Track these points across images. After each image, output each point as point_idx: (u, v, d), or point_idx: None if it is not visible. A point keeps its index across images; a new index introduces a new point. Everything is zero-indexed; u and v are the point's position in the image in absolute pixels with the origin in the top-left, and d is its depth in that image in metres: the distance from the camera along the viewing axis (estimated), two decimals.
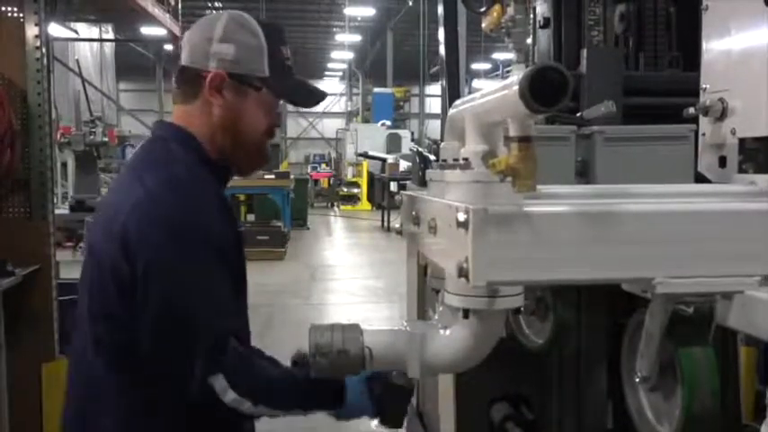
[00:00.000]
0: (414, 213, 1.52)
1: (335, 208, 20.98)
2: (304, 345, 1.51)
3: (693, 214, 1.21)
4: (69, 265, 7.33)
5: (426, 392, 2.84)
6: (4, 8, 3.73)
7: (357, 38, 26.46)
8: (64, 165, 9.77)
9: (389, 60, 25.06)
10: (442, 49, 3.47)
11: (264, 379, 1.52)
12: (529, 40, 2.90)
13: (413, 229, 1.54)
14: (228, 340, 1.47)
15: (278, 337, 5.92)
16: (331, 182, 22.41)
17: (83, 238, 7.39)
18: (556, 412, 2.23)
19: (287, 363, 1.66)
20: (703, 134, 1.93)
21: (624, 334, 1.57)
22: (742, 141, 1.76)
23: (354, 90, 29.06)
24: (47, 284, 3.84)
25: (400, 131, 22.38)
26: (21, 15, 3.74)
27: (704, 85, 1.90)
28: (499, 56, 25.71)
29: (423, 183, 1.81)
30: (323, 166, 25.76)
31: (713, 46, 1.88)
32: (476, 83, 24.73)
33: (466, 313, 1.36)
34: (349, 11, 22.23)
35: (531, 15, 2.89)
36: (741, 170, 1.76)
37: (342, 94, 31.41)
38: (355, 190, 20.76)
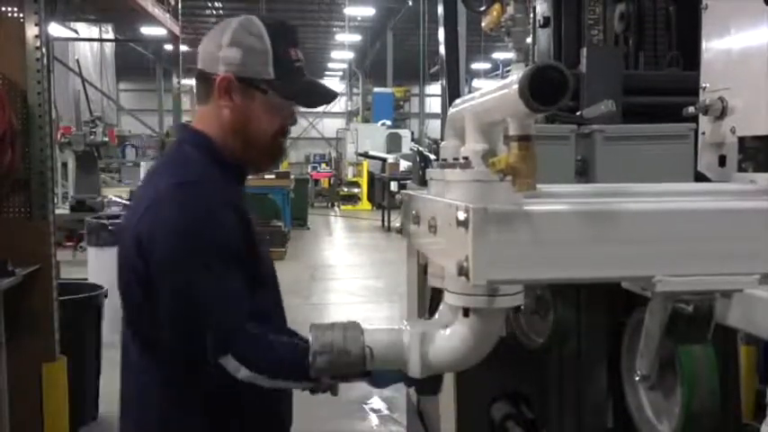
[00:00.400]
0: (414, 213, 1.53)
1: (336, 208, 20.98)
2: None
3: (693, 213, 1.21)
4: (69, 265, 7.36)
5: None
6: (4, 8, 3.74)
7: (357, 38, 26.45)
8: (64, 165, 9.76)
9: (389, 60, 25.05)
10: (441, 49, 3.47)
11: (277, 354, 1.57)
12: (529, 40, 2.90)
13: (413, 229, 1.55)
14: (235, 325, 1.55)
15: None
16: (331, 182, 22.39)
17: (83, 238, 7.40)
18: (556, 411, 2.23)
19: None
20: (703, 133, 1.93)
21: (624, 332, 1.58)
22: (741, 140, 1.77)
23: (354, 90, 29.07)
24: (47, 284, 3.85)
25: (400, 131, 22.37)
26: (21, 15, 3.74)
27: (704, 84, 1.90)
28: (499, 55, 25.71)
29: (423, 182, 1.81)
30: (323, 165, 25.75)
31: (713, 45, 1.88)
32: (476, 82, 24.72)
33: (466, 312, 1.36)
34: (349, 11, 22.22)
35: (531, 15, 2.89)
36: (741, 169, 1.76)
37: (342, 94, 31.40)
38: (355, 190, 20.75)
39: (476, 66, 26.65)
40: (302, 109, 1.89)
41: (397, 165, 17.81)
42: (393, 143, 20.70)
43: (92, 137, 8.88)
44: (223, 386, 1.58)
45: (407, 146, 19.44)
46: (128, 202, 8.95)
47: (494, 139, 1.28)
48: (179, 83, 13.46)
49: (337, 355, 1.46)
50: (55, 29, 11.21)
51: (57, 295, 3.92)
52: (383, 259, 11.49)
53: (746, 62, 1.74)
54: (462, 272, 1.14)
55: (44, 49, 3.82)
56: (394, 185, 15.26)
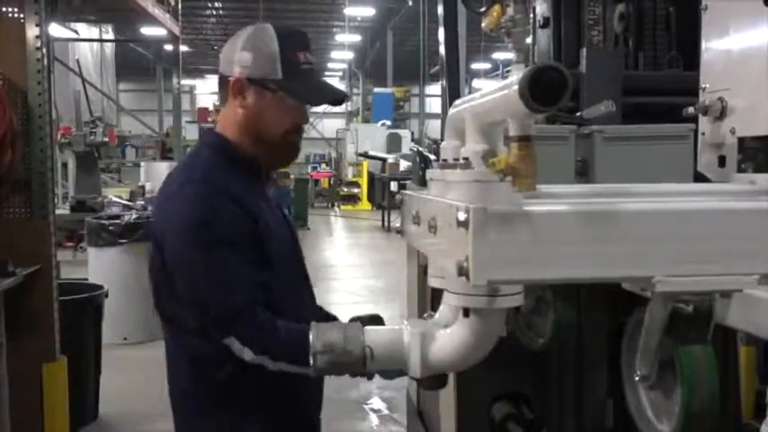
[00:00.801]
0: (414, 213, 1.53)
1: (336, 208, 20.97)
2: None
3: (693, 213, 1.21)
4: (70, 266, 7.36)
5: (427, 391, 2.84)
6: (4, 9, 3.74)
7: (357, 38, 26.45)
8: (64, 165, 9.78)
9: (389, 60, 25.04)
10: (442, 49, 3.47)
11: (280, 337, 1.66)
12: (529, 40, 2.90)
13: (413, 229, 1.55)
14: (236, 306, 1.67)
15: None
16: (331, 182, 22.37)
17: (83, 239, 7.40)
18: (556, 411, 2.23)
19: None
20: (703, 133, 1.93)
21: (624, 332, 1.58)
22: (741, 140, 1.77)
23: (354, 90, 29.05)
24: (47, 284, 3.85)
25: (400, 131, 22.36)
26: (21, 16, 3.75)
27: (703, 85, 1.90)
28: (499, 56, 25.71)
29: (423, 182, 1.82)
30: (323, 165, 25.71)
31: (712, 45, 1.89)
32: (476, 83, 24.73)
33: (466, 312, 1.37)
34: (349, 11, 22.21)
35: (531, 15, 2.89)
36: (740, 169, 1.76)
37: None
38: (355, 190, 20.74)
39: (476, 66, 26.65)
40: (314, 109, 1.97)
41: (397, 165, 17.81)
42: (393, 143, 20.69)
43: (92, 137, 8.89)
44: (238, 368, 1.68)
45: (407, 146, 19.42)
46: (128, 203, 8.97)
47: (494, 139, 1.29)
48: (179, 83, 13.46)
49: (338, 355, 1.47)
50: (55, 29, 11.21)
51: (57, 295, 3.93)
52: (383, 259, 11.50)
53: (746, 63, 1.74)
54: (462, 272, 1.14)
55: (44, 50, 3.83)
56: (394, 186, 15.25)
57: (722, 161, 1.84)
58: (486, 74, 28.82)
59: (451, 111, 1.45)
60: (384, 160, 18.84)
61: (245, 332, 1.66)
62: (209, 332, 1.69)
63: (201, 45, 29.35)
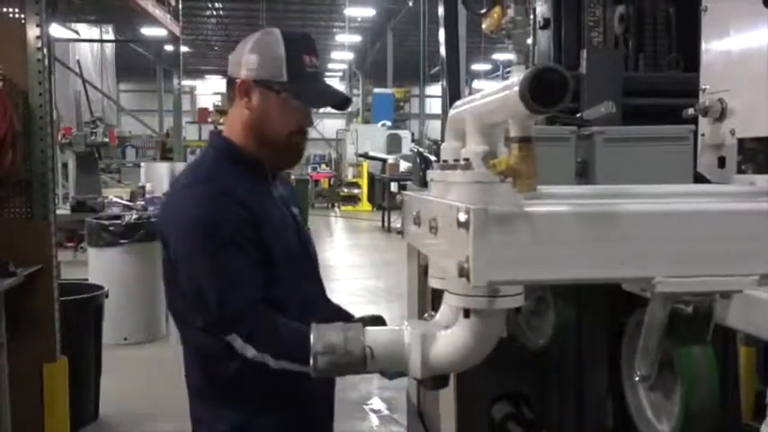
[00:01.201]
0: (414, 214, 1.53)
1: (336, 208, 20.97)
2: None
3: (692, 214, 1.21)
4: (70, 266, 7.36)
5: (427, 392, 2.84)
6: (5, 9, 3.74)
7: (357, 38, 26.44)
8: (65, 165, 9.78)
9: (390, 61, 25.04)
10: (442, 50, 3.47)
11: (281, 335, 1.70)
12: (529, 41, 2.90)
13: (413, 230, 1.55)
14: (238, 303, 1.72)
15: None
16: (331, 182, 22.38)
17: (83, 239, 7.40)
18: (556, 411, 2.24)
19: None
20: (702, 135, 1.93)
21: (624, 333, 1.58)
22: (741, 142, 1.77)
23: (355, 91, 29.05)
24: (48, 285, 3.85)
25: (400, 132, 22.36)
26: (22, 16, 3.75)
27: (703, 86, 1.90)
28: (499, 57, 25.70)
29: (423, 183, 1.82)
30: (323, 166, 25.72)
31: (712, 47, 1.89)
32: (476, 83, 24.72)
33: (466, 313, 1.37)
34: (349, 11, 22.21)
35: (532, 17, 2.89)
36: (740, 170, 1.76)
37: None
38: (356, 190, 20.74)
39: (476, 67, 26.64)
40: (321, 110, 2.01)
41: (397, 165, 17.80)
42: (393, 144, 20.69)
43: (92, 137, 8.89)
44: (245, 365, 1.72)
45: (407, 147, 19.43)
46: (128, 203, 8.98)
47: (494, 140, 1.29)
48: (179, 83, 13.47)
49: (338, 356, 1.47)
50: (56, 30, 11.22)
51: (57, 296, 3.93)
52: (383, 260, 11.50)
53: (746, 64, 1.74)
54: (463, 273, 1.14)
55: (45, 50, 3.83)
56: (394, 186, 15.25)
57: (722, 162, 1.85)
58: (487, 75, 28.81)
59: (452, 112, 1.45)
60: (384, 161, 18.84)
61: (247, 330, 1.69)
62: (213, 330, 1.74)
63: (202, 45, 29.36)
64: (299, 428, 1.91)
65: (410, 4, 20.51)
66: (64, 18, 12.51)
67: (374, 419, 5.18)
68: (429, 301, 2.14)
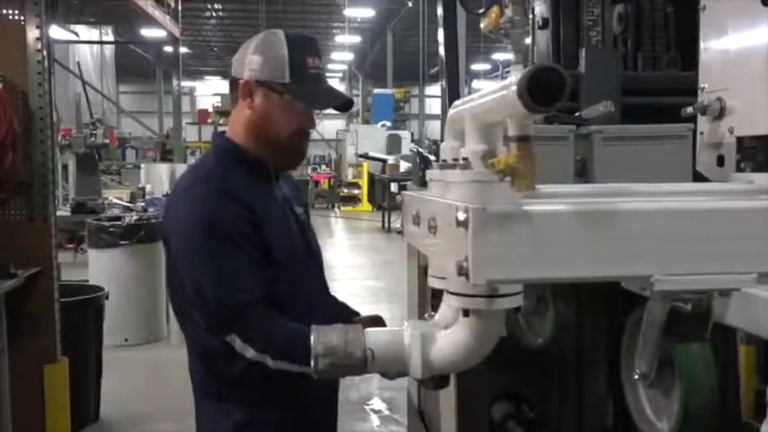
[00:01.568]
0: (414, 213, 1.53)
1: (336, 209, 20.96)
2: None
3: (691, 212, 1.21)
4: (70, 267, 7.36)
5: (427, 391, 2.84)
6: (4, 11, 3.75)
7: (357, 39, 26.44)
8: (65, 167, 9.77)
9: (389, 61, 25.04)
10: (441, 50, 3.48)
11: (280, 335, 1.71)
12: (528, 41, 2.91)
13: (413, 229, 1.55)
14: (240, 308, 1.72)
15: None
16: (331, 183, 22.37)
17: (84, 240, 7.40)
18: (556, 410, 2.24)
19: None
20: (701, 133, 1.93)
21: (623, 332, 1.58)
22: (740, 140, 1.77)
23: (354, 91, 29.05)
24: (48, 286, 3.86)
25: (400, 132, 22.34)
26: (22, 18, 3.75)
27: (702, 85, 1.91)
28: (498, 56, 25.70)
29: (423, 183, 1.82)
30: (323, 167, 25.69)
31: (711, 45, 1.89)
32: (475, 83, 24.73)
33: (466, 313, 1.37)
34: (349, 12, 22.21)
35: (530, 16, 2.90)
36: (739, 169, 1.77)
37: None
38: (356, 191, 20.73)
39: (475, 67, 26.65)
40: (325, 112, 2.05)
41: (397, 166, 17.79)
42: (393, 144, 20.68)
43: (92, 139, 8.86)
44: (246, 364, 1.71)
45: (407, 147, 19.41)
46: (128, 204, 8.98)
47: (493, 139, 1.29)
48: (179, 85, 13.48)
49: (339, 358, 1.47)
50: (55, 31, 11.22)
51: (58, 297, 3.93)
52: (383, 260, 11.49)
53: (745, 62, 1.74)
54: (462, 272, 1.14)
55: (45, 52, 3.84)
56: (394, 186, 15.24)
57: (721, 161, 1.85)
58: (486, 75, 28.81)
59: (451, 111, 1.46)
60: (384, 161, 18.83)
61: (247, 330, 1.70)
62: (213, 330, 1.73)
63: (201, 47, 29.37)
64: (302, 427, 1.92)
65: (409, 4, 20.52)
66: (63, 20, 12.53)
67: (375, 419, 5.18)
68: (429, 300, 2.14)
